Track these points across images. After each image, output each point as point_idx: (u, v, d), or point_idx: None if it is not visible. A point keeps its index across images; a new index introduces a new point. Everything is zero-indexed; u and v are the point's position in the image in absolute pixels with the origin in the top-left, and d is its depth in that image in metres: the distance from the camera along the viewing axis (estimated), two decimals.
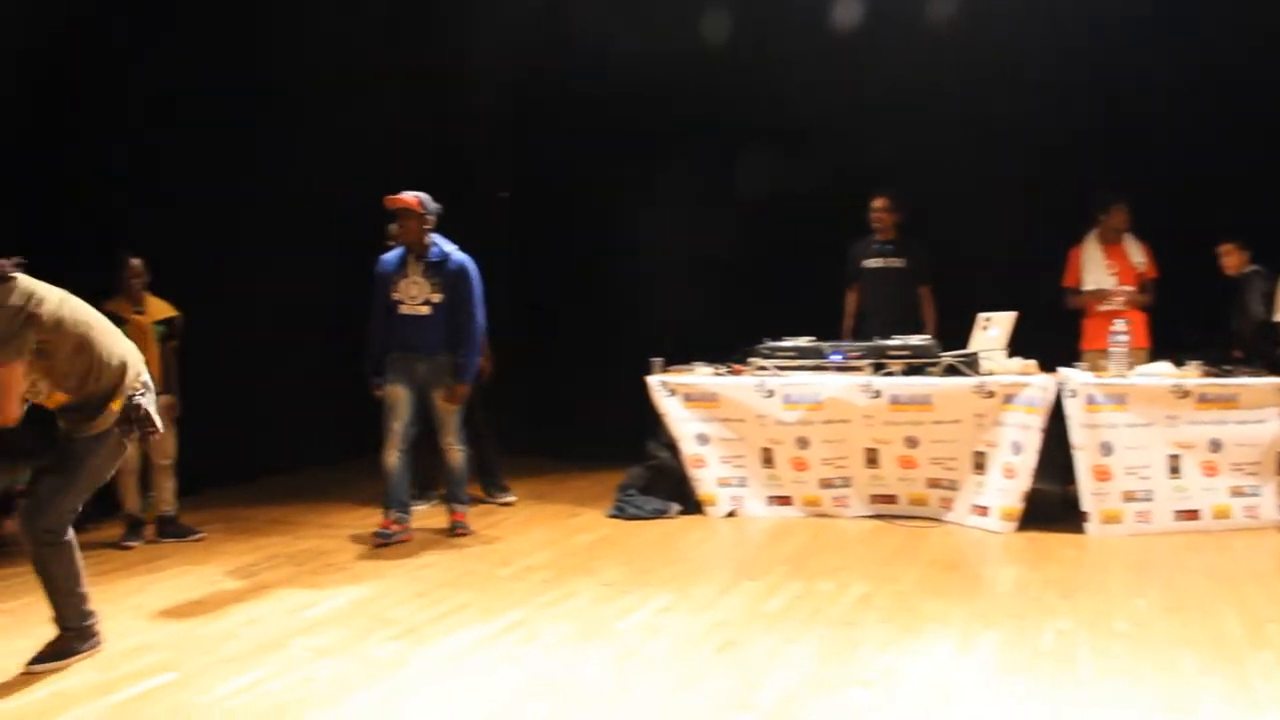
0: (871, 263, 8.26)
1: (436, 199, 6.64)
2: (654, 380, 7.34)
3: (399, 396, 6.57)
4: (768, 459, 7.15)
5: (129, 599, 5.44)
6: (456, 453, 6.78)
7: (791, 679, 4.03)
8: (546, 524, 7.09)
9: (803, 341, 7.40)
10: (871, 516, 6.97)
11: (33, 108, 7.24)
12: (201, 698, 4.00)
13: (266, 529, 7.01)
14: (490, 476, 7.92)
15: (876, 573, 5.60)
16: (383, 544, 6.43)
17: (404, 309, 6.57)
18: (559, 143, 9.69)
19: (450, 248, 6.64)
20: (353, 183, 8.34)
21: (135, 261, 6.69)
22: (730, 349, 7.49)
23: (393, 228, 6.93)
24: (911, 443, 6.88)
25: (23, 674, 4.27)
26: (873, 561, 5.88)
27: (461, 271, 6.58)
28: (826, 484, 7.07)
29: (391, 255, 6.69)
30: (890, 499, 7.00)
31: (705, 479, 7.21)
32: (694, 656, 4.33)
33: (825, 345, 7.30)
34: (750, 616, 4.86)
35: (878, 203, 8.19)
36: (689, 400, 7.26)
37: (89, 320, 4.39)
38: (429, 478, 7.59)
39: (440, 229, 6.67)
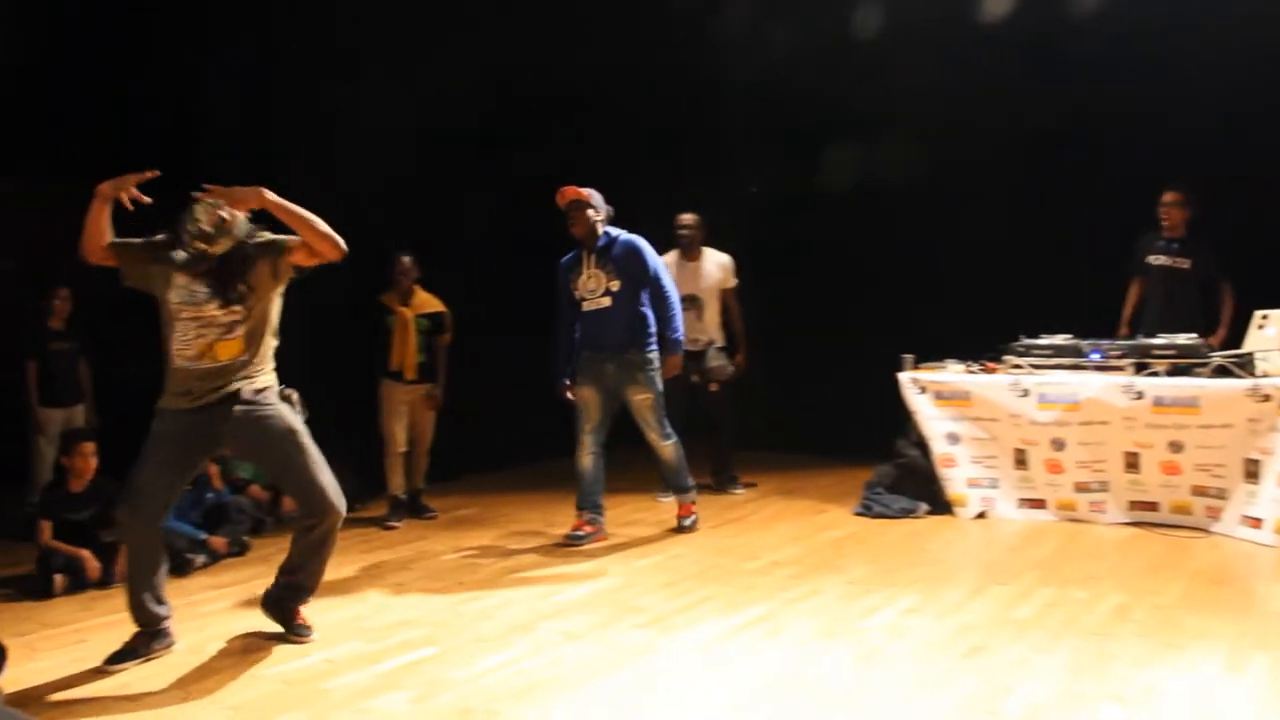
0: (1155, 259, 7.86)
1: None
2: (905, 377, 7.24)
3: (589, 399, 6.51)
4: (1021, 460, 6.95)
5: (393, 576, 5.78)
6: (667, 448, 6.68)
7: (1041, 690, 3.92)
8: (793, 520, 7.10)
9: (1060, 339, 7.15)
10: (1130, 524, 6.67)
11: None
12: (458, 672, 4.21)
13: (520, 515, 7.28)
14: (722, 469, 8.04)
15: (1135, 583, 5.37)
16: (573, 545, 6.43)
17: (587, 305, 6.46)
18: (807, 137, 9.65)
19: (617, 231, 6.49)
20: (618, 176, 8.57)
21: (405, 260, 7.13)
22: (984, 346, 7.31)
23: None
24: (1176, 447, 6.55)
25: (301, 642, 4.60)
26: (1131, 571, 5.64)
27: (630, 251, 6.42)
28: (1082, 488, 6.82)
29: (569, 255, 6.60)
30: (1151, 506, 6.68)
31: (955, 479, 7.07)
32: (939, 660, 4.27)
33: (1084, 343, 7.02)
34: (999, 622, 4.75)
35: (1168, 197, 7.74)
36: (940, 398, 7.13)
37: None
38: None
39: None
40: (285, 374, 4.68)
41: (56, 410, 6.85)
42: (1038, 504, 6.93)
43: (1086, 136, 8.44)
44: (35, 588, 5.46)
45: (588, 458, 6.55)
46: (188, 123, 7.71)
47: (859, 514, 7.15)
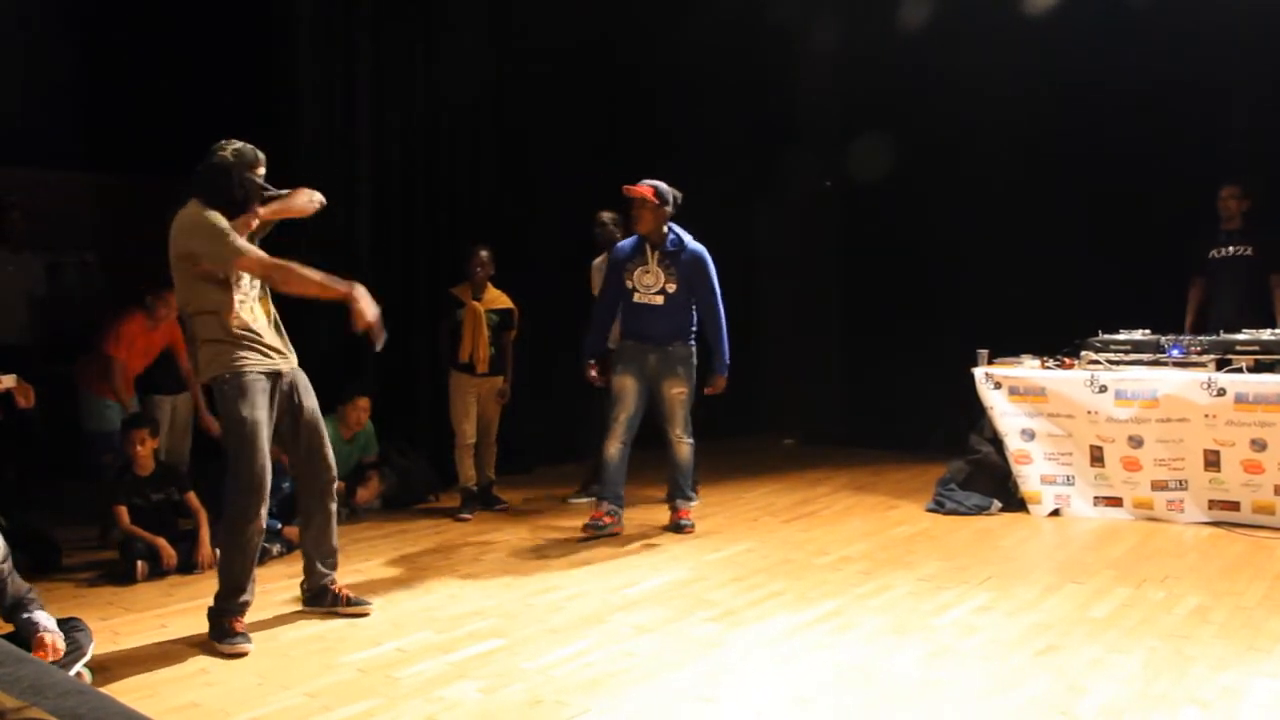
0: (1217, 253, 7.74)
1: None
2: (979, 372, 7.16)
3: (627, 387, 6.46)
4: (1097, 457, 6.85)
5: (464, 567, 5.83)
6: (684, 445, 6.61)
7: (1117, 691, 3.86)
8: (864, 515, 7.06)
9: (1138, 334, 7.04)
10: (1209, 523, 6.55)
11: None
12: (528, 664, 4.24)
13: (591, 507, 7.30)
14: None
15: (1214, 584, 5.27)
16: (592, 536, 6.39)
17: (638, 297, 6.44)
18: (883, 132, 9.57)
19: (687, 237, 6.45)
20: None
21: (483, 253, 7.15)
22: (1060, 341, 7.21)
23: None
24: (1258, 445, 6.41)
25: (366, 613, 4.66)
26: (1210, 572, 5.53)
27: (697, 261, 6.41)
28: (1160, 486, 6.70)
29: (627, 243, 6.54)
30: (1232, 505, 6.54)
31: (1029, 476, 6.98)
32: (1012, 658, 4.23)
33: (1163, 339, 6.90)
34: (1073, 621, 4.69)
35: (1225, 191, 7.67)
36: (1015, 394, 7.04)
37: None
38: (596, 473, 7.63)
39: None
40: (354, 365, 4.75)
41: (164, 398, 6.96)
42: (1114, 502, 6.82)
43: (1167, 133, 8.28)
44: (119, 573, 5.58)
45: (616, 446, 6.49)
46: (271, 123, 7.81)
47: (931, 510, 7.10)
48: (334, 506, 4.98)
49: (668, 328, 6.44)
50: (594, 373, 6.62)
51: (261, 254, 4.54)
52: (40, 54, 7.73)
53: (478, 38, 8.45)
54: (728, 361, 6.52)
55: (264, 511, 4.57)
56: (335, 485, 4.97)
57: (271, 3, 7.60)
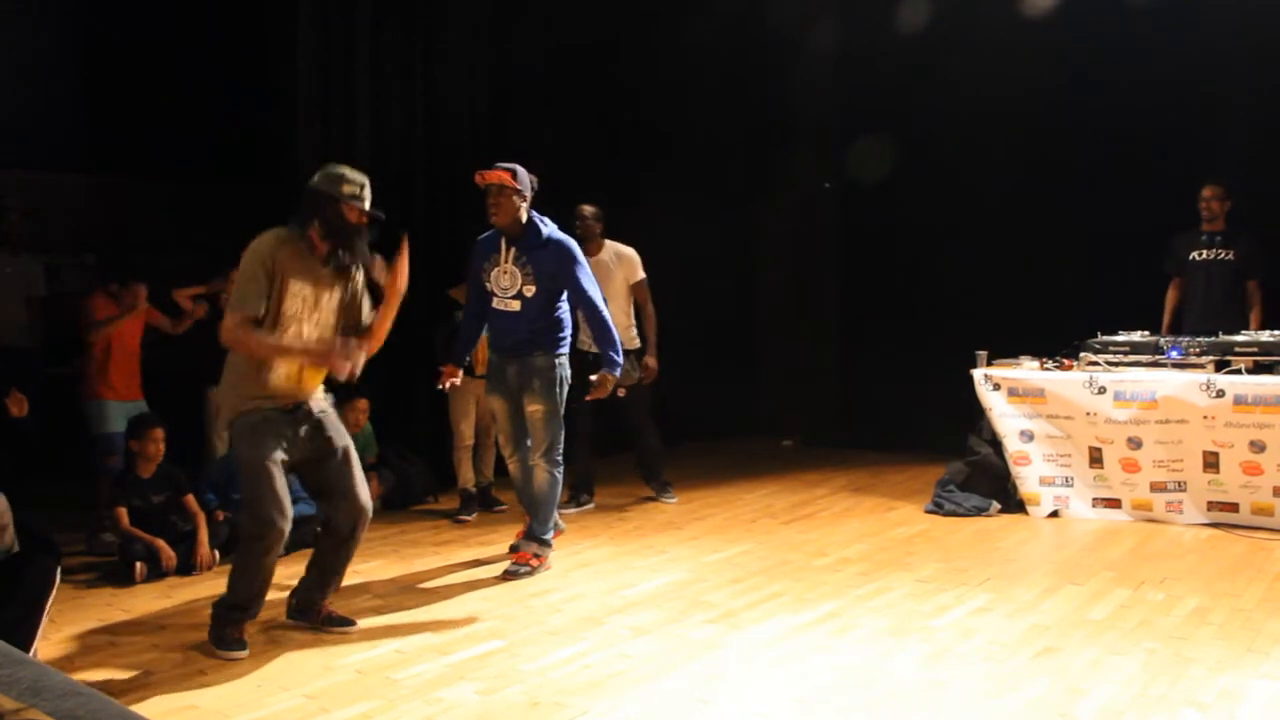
0: (1198, 254, 7.73)
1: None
2: (978, 374, 7.16)
3: (497, 409, 5.83)
4: (1096, 459, 6.84)
5: (463, 569, 5.83)
6: (542, 473, 5.73)
7: (1116, 692, 3.87)
8: (863, 517, 7.06)
9: (1137, 336, 7.04)
10: (1208, 525, 6.55)
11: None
12: (527, 665, 4.24)
13: (589, 509, 7.30)
14: (653, 476, 7.69)
15: (1213, 586, 5.27)
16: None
17: (495, 302, 5.64)
18: (882, 132, 9.58)
19: (549, 227, 5.62)
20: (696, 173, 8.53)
21: None
22: (1059, 342, 7.21)
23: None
24: (1257, 447, 6.41)
25: (348, 631, 4.66)
26: (1209, 573, 5.53)
27: (559, 252, 5.55)
28: (1159, 487, 6.70)
29: (487, 237, 5.76)
30: (1231, 507, 6.54)
31: (1028, 477, 6.98)
32: (1011, 660, 4.23)
33: (1162, 340, 6.90)
34: (1072, 623, 4.69)
35: (1207, 191, 7.63)
36: (1014, 395, 7.04)
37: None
38: (581, 482, 7.52)
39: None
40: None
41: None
42: (1112, 504, 6.82)
43: (1167, 133, 8.30)
44: (118, 574, 5.58)
45: (514, 467, 5.93)
46: (270, 125, 7.80)
47: (930, 511, 7.09)
48: (356, 541, 4.77)
49: (526, 336, 5.59)
50: (447, 381, 5.85)
51: (245, 336, 4.31)
52: (40, 56, 7.74)
53: (477, 39, 8.45)
54: (619, 360, 5.64)
55: (278, 545, 4.46)
56: (367, 521, 4.73)
57: (271, 4, 7.60)
